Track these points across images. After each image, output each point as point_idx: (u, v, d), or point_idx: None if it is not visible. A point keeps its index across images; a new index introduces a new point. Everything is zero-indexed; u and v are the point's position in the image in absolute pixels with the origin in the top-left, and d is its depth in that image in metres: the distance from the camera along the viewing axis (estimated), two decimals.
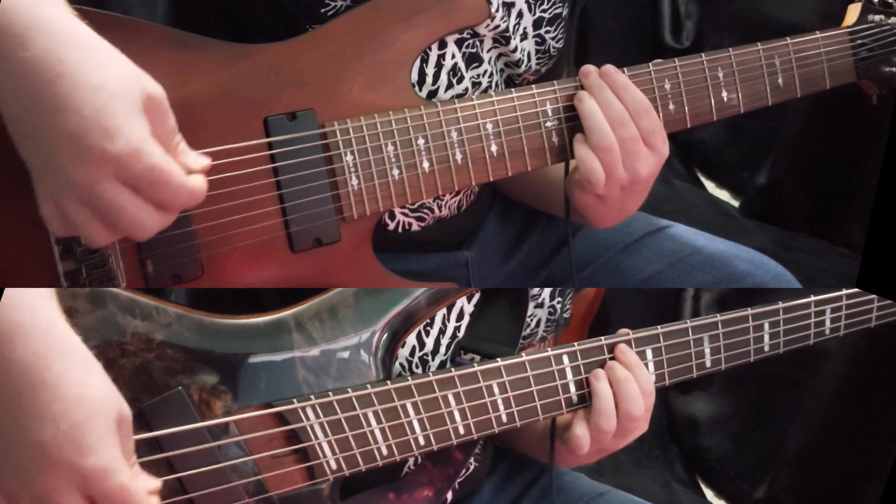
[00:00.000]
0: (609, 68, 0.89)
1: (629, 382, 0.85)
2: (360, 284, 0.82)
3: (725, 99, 0.96)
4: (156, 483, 0.64)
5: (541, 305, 0.98)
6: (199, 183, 0.68)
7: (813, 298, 1.00)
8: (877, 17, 1.04)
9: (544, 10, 0.95)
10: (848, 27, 1.04)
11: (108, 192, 0.63)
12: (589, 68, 0.89)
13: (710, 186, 2.27)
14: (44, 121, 0.62)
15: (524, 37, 0.95)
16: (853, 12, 1.05)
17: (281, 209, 0.80)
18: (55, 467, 0.60)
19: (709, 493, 1.94)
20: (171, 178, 0.65)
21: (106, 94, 0.63)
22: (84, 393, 0.60)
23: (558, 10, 0.97)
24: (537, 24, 0.95)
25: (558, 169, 0.95)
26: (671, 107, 0.93)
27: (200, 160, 0.69)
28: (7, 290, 0.61)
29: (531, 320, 0.98)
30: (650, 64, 0.92)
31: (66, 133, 0.62)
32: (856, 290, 1.03)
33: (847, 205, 1.94)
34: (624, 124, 0.87)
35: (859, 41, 1.03)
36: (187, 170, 0.67)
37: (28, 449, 0.60)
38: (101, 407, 0.61)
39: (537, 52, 0.97)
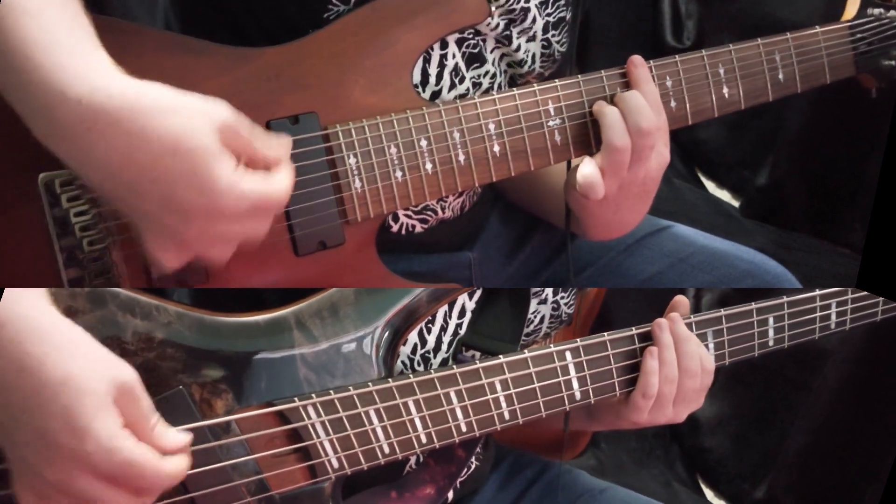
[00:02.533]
0: (637, 58, 0.91)
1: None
2: (365, 286, 0.82)
3: (726, 95, 0.96)
4: (178, 440, 0.64)
5: (544, 301, 0.98)
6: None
7: (818, 292, 0.99)
8: (876, 11, 1.04)
9: (549, 14, 0.95)
10: (847, 21, 1.04)
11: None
12: (636, 58, 0.91)
13: (711, 186, 2.27)
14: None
15: (532, 38, 0.95)
16: (852, 6, 1.05)
17: (285, 213, 0.80)
18: (58, 457, 0.59)
19: (709, 493, 1.94)
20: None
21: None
22: (66, 372, 0.60)
23: (562, 14, 0.97)
24: (544, 28, 0.96)
25: (558, 177, 0.95)
26: (672, 104, 0.93)
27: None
28: None
29: (534, 317, 0.98)
30: (651, 62, 0.92)
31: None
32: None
33: (847, 205, 1.94)
34: (642, 133, 0.87)
35: (859, 35, 1.03)
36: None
37: (30, 443, 0.60)
38: (87, 384, 0.60)
39: (542, 55, 0.97)
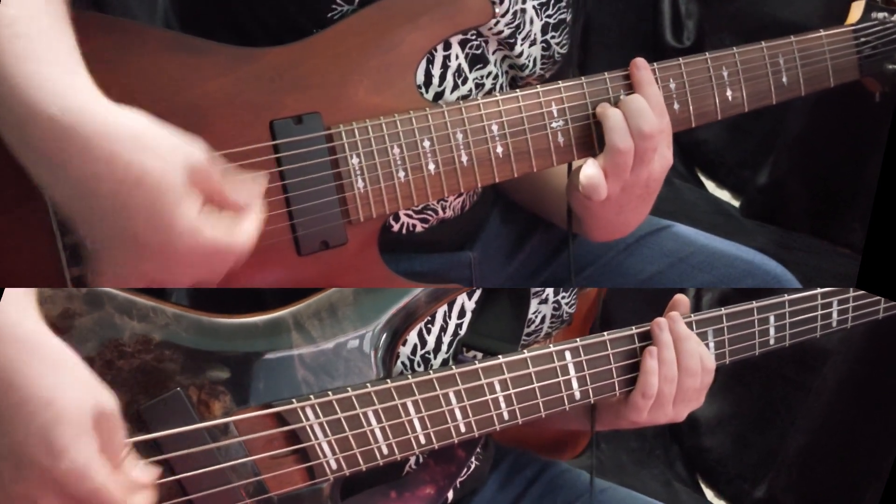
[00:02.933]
0: (640, 60, 0.91)
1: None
2: (367, 286, 0.82)
3: (730, 98, 0.96)
4: (147, 475, 0.64)
5: (545, 301, 0.98)
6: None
7: (820, 291, 0.99)
8: (880, 15, 1.04)
9: (549, 16, 0.95)
10: (851, 25, 1.04)
11: None
12: (640, 61, 0.91)
13: (711, 186, 2.27)
14: None
15: (532, 42, 0.95)
16: (857, 10, 1.04)
17: (287, 212, 0.80)
18: (28, 471, 0.59)
19: (709, 493, 1.94)
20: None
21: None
22: (54, 394, 0.60)
23: (563, 16, 0.97)
24: (543, 29, 0.95)
25: (560, 178, 0.95)
26: (676, 106, 0.93)
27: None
28: None
29: (535, 317, 0.98)
30: (654, 64, 0.91)
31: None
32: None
33: (847, 205, 1.94)
34: (644, 136, 0.87)
35: (863, 39, 1.03)
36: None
37: (4, 456, 0.59)
38: (72, 407, 0.60)
39: (542, 57, 0.97)
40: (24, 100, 0.64)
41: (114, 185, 0.64)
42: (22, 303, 0.63)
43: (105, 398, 0.63)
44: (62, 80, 0.65)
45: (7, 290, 0.63)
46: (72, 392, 0.61)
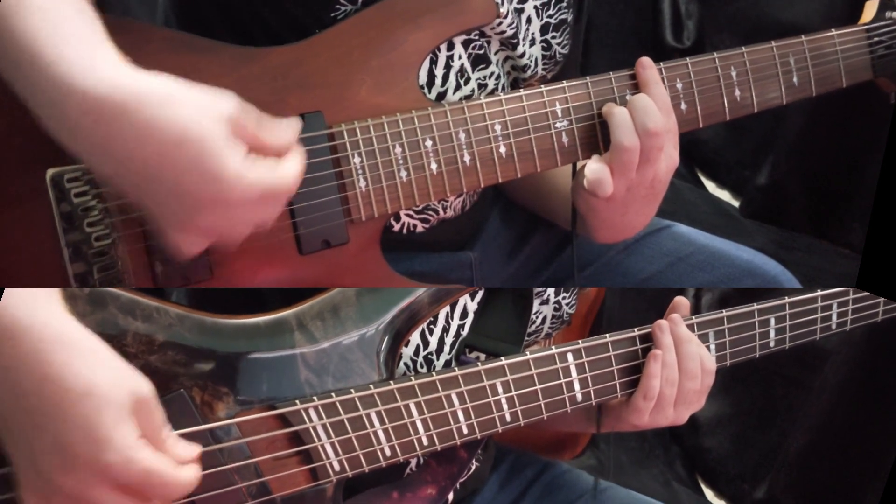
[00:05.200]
0: (646, 59, 0.91)
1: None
2: (368, 286, 0.82)
3: (739, 98, 0.95)
4: (190, 451, 0.65)
5: (546, 302, 0.98)
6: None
7: (819, 293, 0.99)
8: (894, 14, 1.03)
9: (550, 16, 0.95)
10: (865, 24, 1.03)
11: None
12: (646, 60, 0.91)
13: (711, 186, 2.27)
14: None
15: (532, 42, 0.95)
16: (870, 9, 1.03)
17: (289, 211, 0.80)
18: (75, 466, 0.60)
19: (709, 493, 1.94)
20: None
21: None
22: (89, 383, 0.60)
23: (563, 16, 0.96)
24: (544, 29, 0.95)
25: (563, 178, 0.95)
26: (683, 106, 0.93)
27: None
28: (7, 290, 0.61)
29: (536, 317, 0.98)
30: (661, 64, 0.91)
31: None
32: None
33: (847, 205, 1.94)
34: (649, 134, 0.87)
35: (876, 38, 1.02)
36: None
37: (47, 450, 0.60)
38: (109, 395, 0.60)
39: (544, 57, 0.96)
40: (58, 78, 0.65)
41: (157, 146, 0.66)
42: (48, 298, 0.63)
43: (140, 383, 0.63)
44: (91, 56, 0.67)
45: (24, 290, 0.64)
46: (107, 380, 0.61)
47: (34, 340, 0.60)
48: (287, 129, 0.73)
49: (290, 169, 0.72)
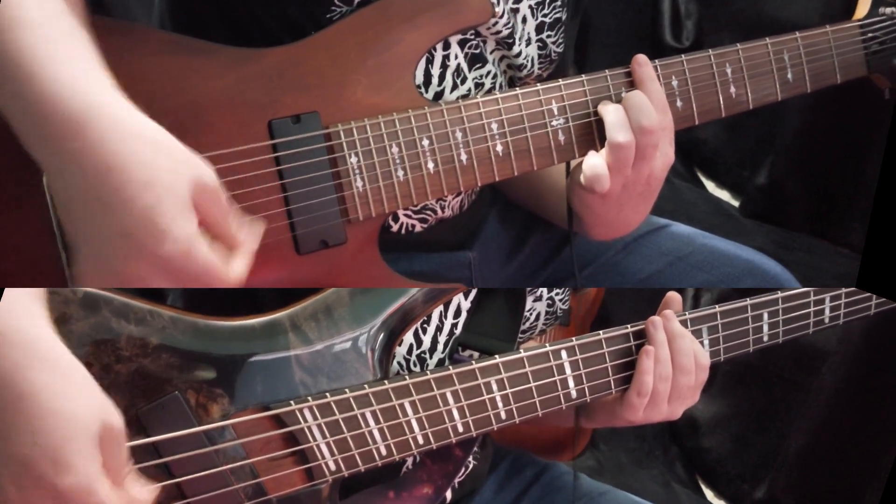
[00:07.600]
0: (642, 57, 0.91)
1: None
2: (366, 286, 0.82)
3: (734, 95, 0.95)
4: (148, 495, 0.64)
5: (539, 299, 0.98)
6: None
7: (812, 289, 0.99)
8: (888, 10, 1.03)
9: (545, 15, 0.95)
10: (858, 20, 1.03)
11: None
12: (641, 58, 0.90)
13: (711, 186, 2.27)
14: None
15: (528, 42, 0.94)
16: (864, 5, 1.03)
17: (286, 211, 0.80)
18: (32, 484, 0.59)
19: (709, 494, 1.94)
20: None
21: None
22: (63, 407, 0.60)
23: (558, 15, 0.96)
24: (539, 28, 0.95)
25: (560, 176, 0.95)
26: (679, 104, 0.93)
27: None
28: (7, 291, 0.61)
29: (530, 314, 0.98)
30: (656, 61, 0.91)
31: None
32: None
33: (847, 205, 1.94)
34: (644, 131, 0.87)
35: (870, 34, 1.02)
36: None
37: (8, 462, 0.59)
38: (80, 422, 0.60)
39: (539, 56, 0.96)
40: (48, 97, 0.65)
41: (123, 181, 0.65)
42: (31, 306, 0.63)
43: (111, 414, 0.63)
44: (84, 78, 0.67)
45: (14, 291, 0.63)
46: (80, 406, 0.61)
47: (8, 350, 0.59)
48: (252, 227, 0.73)
49: (237, 269, 0.71)
